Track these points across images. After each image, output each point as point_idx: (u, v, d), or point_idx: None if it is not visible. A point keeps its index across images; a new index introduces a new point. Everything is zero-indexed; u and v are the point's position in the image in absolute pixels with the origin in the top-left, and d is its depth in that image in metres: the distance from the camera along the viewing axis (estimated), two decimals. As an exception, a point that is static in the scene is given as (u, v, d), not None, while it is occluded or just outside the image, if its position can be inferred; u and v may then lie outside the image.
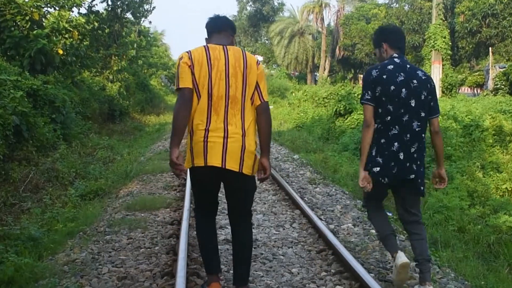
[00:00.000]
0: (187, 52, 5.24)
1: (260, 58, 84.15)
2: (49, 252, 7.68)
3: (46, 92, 16.48)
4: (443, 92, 35.80)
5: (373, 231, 8.40)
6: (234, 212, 5.60)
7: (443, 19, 36.92)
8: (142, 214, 9.46)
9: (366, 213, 6.50)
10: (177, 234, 7.62)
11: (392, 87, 5.51)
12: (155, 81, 60.91)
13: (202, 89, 5.14)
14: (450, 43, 37.04)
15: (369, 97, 5.53)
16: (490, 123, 14.86)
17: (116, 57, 33.42)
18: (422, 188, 5.72)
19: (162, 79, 73.14)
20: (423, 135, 5.67)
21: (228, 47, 5.30)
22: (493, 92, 34.08)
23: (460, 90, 41.50)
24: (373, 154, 5.62)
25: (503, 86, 33.37)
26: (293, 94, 37.56)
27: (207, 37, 5.56)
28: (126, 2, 28.71)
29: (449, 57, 37.37)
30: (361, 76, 62.64)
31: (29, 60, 19.40)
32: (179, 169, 5.03)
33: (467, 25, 41.47)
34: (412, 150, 5.59)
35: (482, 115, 16.51)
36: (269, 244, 7.80)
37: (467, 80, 41.98)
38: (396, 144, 5.52)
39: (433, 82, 5.78)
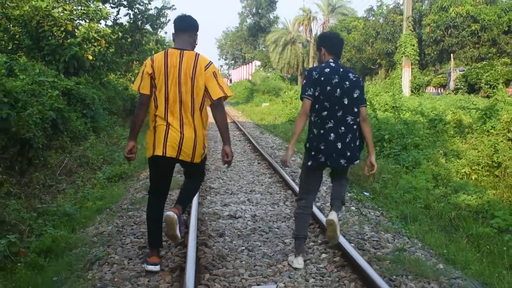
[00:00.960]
0: (150, 60, 5.41)
1: (258, 63, 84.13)
2: (81, 226, 7.67)
3: (78, 91, 16.34)
4: (412, 91, 35.59)
5: (353, 208, 8.40)
6: (190, 176, 5.88)
7: (412, 30, 36.67)
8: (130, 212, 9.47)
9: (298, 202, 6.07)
10: (188, 211, 7.58)
11: (328, 88, 5.62)
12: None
13: (159, 93, 5.36)
14: (418, 50, 36.77)
15: (310, 93, 5.63)
16: (451, 117, 14.79)
17: (137, 62, 33.24)
18: (351, 166, 5.90)
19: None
20: (355, 127, 5.73)
21: (184, 52, 5.41)
22: (454, 92, 34.04)
23: (427, 89, 41.31)
24: (315, 143, 5.71)
25: (462, 87, 33.31)
26: (286, 93, 37.46)
27: (173, 32, 5.58)
28: (146, 16, 28.42)
29: (417, 62, 37.07)
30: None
31: (64, 65, 19.26)
32: (131, 158, 5.78)
33: (432, 35, 41.18)
34: (347, 140, 5.67)
35: (445, 110, 16.44)
36: (266, 219, 7.78)
37: (432, 81, 41.78)
38: (332, 135, 5.63)
39: (361, 81, 5.89)
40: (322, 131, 5.65)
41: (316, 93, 5.64)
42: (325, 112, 5.64)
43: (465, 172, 11.09)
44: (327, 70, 5.70)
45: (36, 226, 7.21)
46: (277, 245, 6.54)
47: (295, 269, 5.72)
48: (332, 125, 5.64)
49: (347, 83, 5.69)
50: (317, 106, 5.67)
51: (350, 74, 5.81)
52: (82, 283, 5.27)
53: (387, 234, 6.92)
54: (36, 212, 7.92)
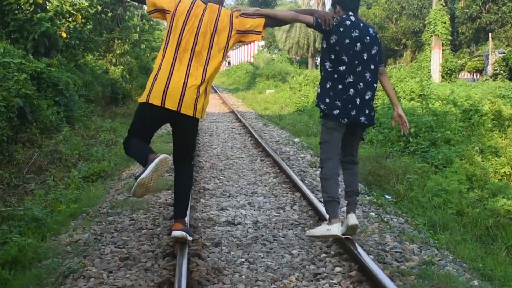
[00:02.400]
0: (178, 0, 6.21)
1: (262, 43, 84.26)
2: (52, 233, 7.72)
3: (50, 75, 16.50)
4: (442, 77, 35.76)
5: (372, 213, 8.42)
6: (180, 154, 6.50)
7: (443, 4, 36.82)
8: (144, 196, 9.50)
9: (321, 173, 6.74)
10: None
11: (347, 41, 6.32)
12: (158, 65, 61.13)
13: (173, 38, 6.08)
14: (450, 29, 36.99)
15: (320, 22, 6.35)
16: (489, 107, 14.83)
17: (119, 41, 33.36)
18: (364, 133, 7.10)
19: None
20: (375, 85, 6.51)
21: (209, 5, 6.17)
22: (493, 78, 34.10)
23: (460, 75, 41.48)
24: (332, 99, 6.39)
25: (502, 72, 33.41)
26: (294, 78, 37.45)
27: None
28: (129, -14, 28.60)
29: (449, 42, 37.30)
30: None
31: (33, 43, 19.32)
32: None
33: (467, 10, 41.37)
34: (367, 97, 6.45)
35: (481, 99, 16.47)
36: (270, 226, 7.79)
37: (467, 65, 41.98)
38: (352, 90, 6.36)
39: (379, 38, 6.66)
40: (340, 86, 6.37)
41: (331, 41, 6.34)
42: (343, 67, 6.34)
43: (504, 172, 11.14)
44: (347, 22, 6.40)
45: (0, 233, 7.26)
46: (282, 256, 6.54)
47: (332, 236, 6.49)
48: (351, 80, 6.36)
49: (368, 38, 6.43)
50: (333, 57, 6.38)
51: (370, 29, 6.57)
52: (53, 300, 5.30)
53: (413, 245, 6.93)
54: None
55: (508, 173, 11.10)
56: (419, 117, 14.75)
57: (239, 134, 18.61)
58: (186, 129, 6.28)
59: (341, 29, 6.30)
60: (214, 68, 6.08)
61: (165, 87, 5.87)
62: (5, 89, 12.39)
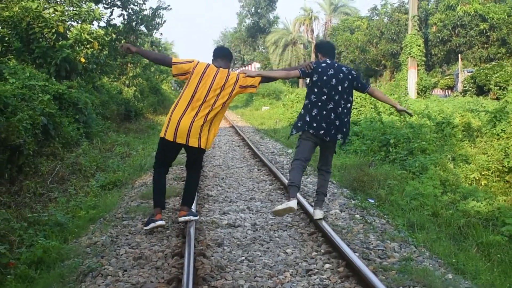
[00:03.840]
0: (197, 61, 7.35)
1: (258, 65, 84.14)
2: (73, 236, 7.70)
3: (70, 95, 16.43)
4: (418, 94, 35.72)
5: (357, 215, 8.38)
6: (191, 166, 7.66)
7: (418, 29, 36.80)
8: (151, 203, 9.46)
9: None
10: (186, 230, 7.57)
11: (325, 77, 7.54)
12: (166, 86, 60.70)
13: (188, 90, 7.18)
14: (424, 51, 36.97)
15: (303, 71, 7.68)
16: (459, 120, 14.80)
17: (132, 65, 33.40)
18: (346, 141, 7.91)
19: (172, 84, 72.88)
20: (346, 110, 7.63)
21: (220, 70, 7.32)
22: (462, 94, 34.09)
23: (433, 92, 41.38)
24: (318, 120, 7.48)
25: (470, 88, 33.43)
26: (287, 96, 37.56)
27: (213, 58, 7.64)
28: (140, 17, 28.48)
29: (423, 63, 37.26)
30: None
31: (55, 68, 19.30)
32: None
33: (439, 34, 41.33)
34: (344, 119, 7.58)
35: (453, 113, 16.42)
36: (266, 228, 7.75)
37: (439, 83, 41.86)
38: (333, 114, 7.49)
39: (354, 73, 7.77)
40: (324, 112, 7.46)
41: (314, 79, 7.54)
42: (325, 97, 7.48)
43: (474, 177, 11.08)
44: (324, 64, 7.65)
45: (27, 236, 7.25)
46: (278, 255, 6.50)
47: (289, 209, 7.26)
48: (332, 106, 7.48)
49: (341, 74, 7.61)
50: (316, 90, 7.54)
51: (344, 68, 7.72)
52: (75, 296, 5.26)
53: (393, 243, 6.89)
54: (26, 221, 7.96)
55: (477, 178, 11.03)
56: (397, 129, 14.70)
57: (239, 146, 18.55)
58: (194, 155, 7.49)
59: (319, 69, 7.57)
60: (215, 112, 7.17)
61: (175, 127, 7.05)
62: (31, 109, 12.34)
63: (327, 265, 6.06)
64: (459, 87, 37.19)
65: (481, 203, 8.83)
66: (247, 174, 12.50)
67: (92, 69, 21.96)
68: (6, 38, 19.99)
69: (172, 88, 69.65)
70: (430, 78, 39.71)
